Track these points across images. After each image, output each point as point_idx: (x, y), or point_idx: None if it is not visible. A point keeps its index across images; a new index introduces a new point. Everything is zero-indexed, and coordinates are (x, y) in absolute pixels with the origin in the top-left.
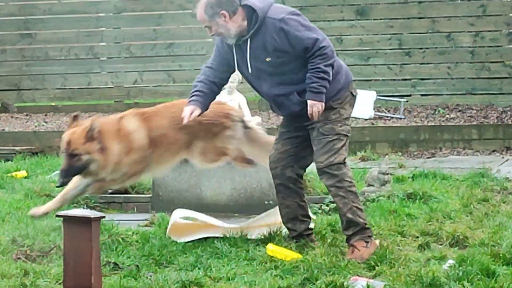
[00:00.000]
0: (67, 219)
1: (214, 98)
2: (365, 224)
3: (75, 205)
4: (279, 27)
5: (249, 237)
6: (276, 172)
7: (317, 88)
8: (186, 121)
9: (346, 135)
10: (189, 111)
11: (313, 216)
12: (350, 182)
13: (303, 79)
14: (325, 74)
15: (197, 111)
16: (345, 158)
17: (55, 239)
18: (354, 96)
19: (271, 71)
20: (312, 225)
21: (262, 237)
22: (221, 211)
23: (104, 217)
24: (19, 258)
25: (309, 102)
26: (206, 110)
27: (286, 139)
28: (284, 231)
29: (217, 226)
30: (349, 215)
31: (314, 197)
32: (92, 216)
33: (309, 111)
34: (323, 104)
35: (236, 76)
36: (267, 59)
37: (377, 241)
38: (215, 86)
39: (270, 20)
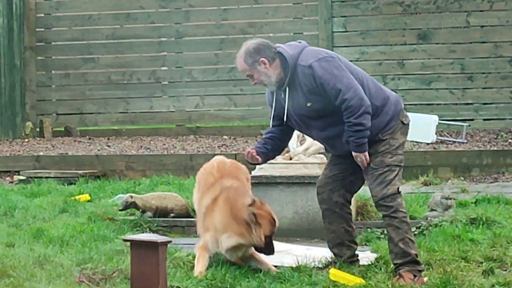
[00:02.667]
0: (135, 244)
1: (277, 152)
2: (416, 255)
3: (137, 229)
4: (308, 73)
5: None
6: (323, 196)
7: (355, 142)
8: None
9: (397, 165)
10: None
11: (370, 255)
12: (405, 212)
13: None
14: (357, 126)
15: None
16: (398, 188)
17: (118, 263)
18: (405, 125)
19: (316, 115)
20: (373, 256)
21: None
22: (283, 235)
23: (171, 241)
24: (83, 281)
25: (353, 153)
26: (265, 160)
27: (335, 165)
28: None
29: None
30: (401, 245)
31: (376, 222)
32: (159, 241)
33: (355, 159)
34: (366, 153)
35: None
36: (308, 104)
37: (425, 279)
38: (279, 141)
39: (300, 67)
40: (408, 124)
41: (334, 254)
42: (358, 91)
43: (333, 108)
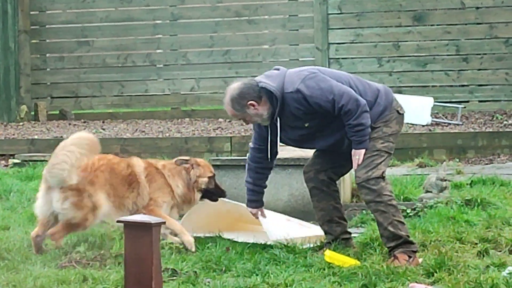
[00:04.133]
0: (128, 225)
1: (268, 175)
2: (408, 236)
3: None
4: (297, 98)
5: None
6: (310, 175)
7: (356, 140)
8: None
9: (387, 152)
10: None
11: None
12: (390, 195)
13: None
14: (358, 126)
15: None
16: (383, 173)
17: (112, 246)
18: (401, 114)
19: (315, 130)
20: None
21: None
22: None
23: (164, 222)
24: (77, 264)
25: (353, 151)
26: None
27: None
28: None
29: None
30: (391, 229)
31: None
32: (152, 222)
33: (352, 157)
34: (363, 152)
35: None
36: (306, 125)
37: (420, 260)
38: (266, 168)
39: (288, 95)
40: (403, 114)
41: (325, 232)
42: (351, 93)
43: (331, 118)
